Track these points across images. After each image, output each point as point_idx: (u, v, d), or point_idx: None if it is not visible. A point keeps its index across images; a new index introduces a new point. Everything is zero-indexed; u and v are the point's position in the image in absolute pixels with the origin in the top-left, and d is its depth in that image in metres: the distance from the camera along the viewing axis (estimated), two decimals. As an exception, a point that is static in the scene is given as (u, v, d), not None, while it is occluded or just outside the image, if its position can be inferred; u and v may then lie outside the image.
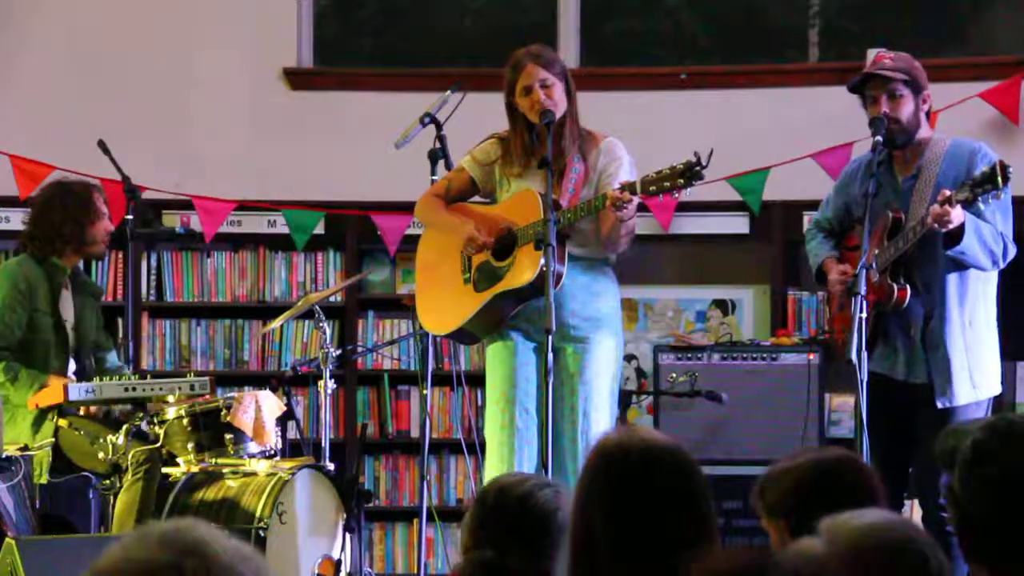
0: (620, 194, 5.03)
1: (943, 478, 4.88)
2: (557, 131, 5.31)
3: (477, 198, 5.63)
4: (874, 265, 5.06)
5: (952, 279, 5.13)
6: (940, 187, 5.06)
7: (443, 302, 5.54)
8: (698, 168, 4.97)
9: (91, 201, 6.07)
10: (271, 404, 6.01)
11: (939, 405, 5.10)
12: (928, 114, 5.28)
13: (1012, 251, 5.13)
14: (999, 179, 4.75)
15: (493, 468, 5.33)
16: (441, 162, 5.85)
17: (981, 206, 4.88)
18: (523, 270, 5.26)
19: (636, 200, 5.05)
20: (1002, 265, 5.15)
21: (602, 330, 5.33)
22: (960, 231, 4.93)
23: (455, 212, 5.51)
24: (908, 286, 5.13)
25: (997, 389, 5.23)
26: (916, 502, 5.36)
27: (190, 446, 5.92)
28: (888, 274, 5.12)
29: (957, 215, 4.88)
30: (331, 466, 6.11)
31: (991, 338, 5.23)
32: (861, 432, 4.85)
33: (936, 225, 4.89)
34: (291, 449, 6.61)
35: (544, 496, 3.08)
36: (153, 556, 1.78)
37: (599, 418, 5.26)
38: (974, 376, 5.13)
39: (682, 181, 4.99)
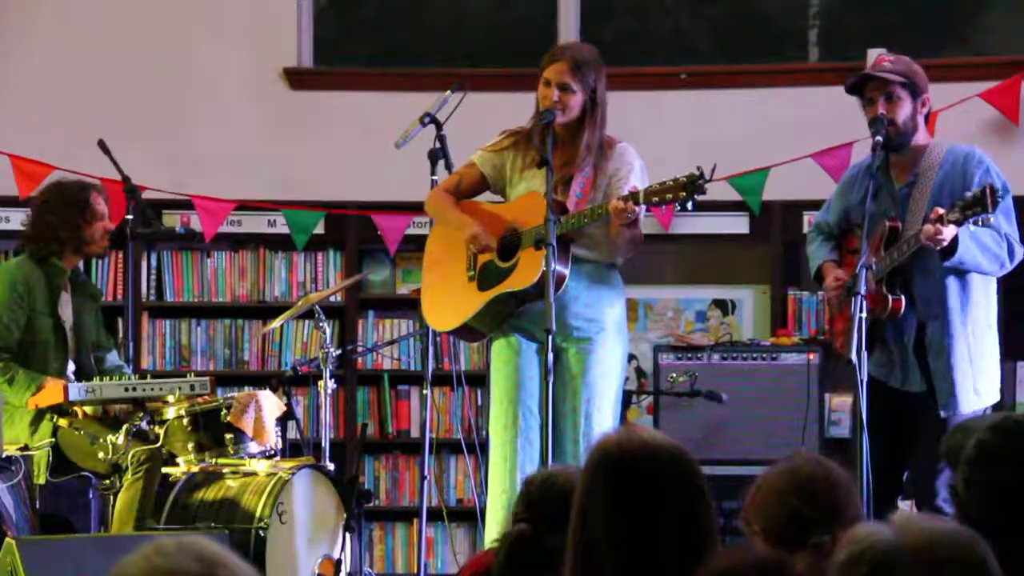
0: (623, 204, 5.03)
1: (942, 477, 4.91)
2: (568, 136, 5.30)
3: (487, 195, 5.63)
4: (873, 266, 5.05)
5: (953, 287, 5.10)
6: (936, 195, 5.05)
7: (447, 299, 5.55)
8: (701, 181, 4.98)
9: (88, 202, 6.06)
10: (271, 404, 6.01)
11: (942, 415, 5.08)
12: (927, 118, 5.26)
13: (1020, 251, 5.10)
14: (988, 203, 4.74)
15: (496, 467, 5.34)
16: (441, 162, 5.86)
17: (971, 227, 4.86)
18: (526, 272, 5.26)
19: (640, 210, 5.06)
20: (1010, 267, 5.12)
21: (606, 332, 5.33)
22: (954, 243, 4.92)
23: (464, 209, 5.52)
24: (903, 297, 5.12)
25: (997, 396, 5.21)
26: (912, 504, 5.36)
27: (190, 446, 5.92)
28: (884, 284, 5.12)
29: (950, 232, 4.87)
30: (331, 466, 6.11)
31: (992, 343, 5.20)
32: (860, 432, 4.84)
33: (929, 243, 4.89)
34: (291, 449, 6.61)
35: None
36: (181, 566, 1.79)
37: (601, 420, 5.27)
38: (978, 384, 5.11)
39: (684, 194, 4.99)
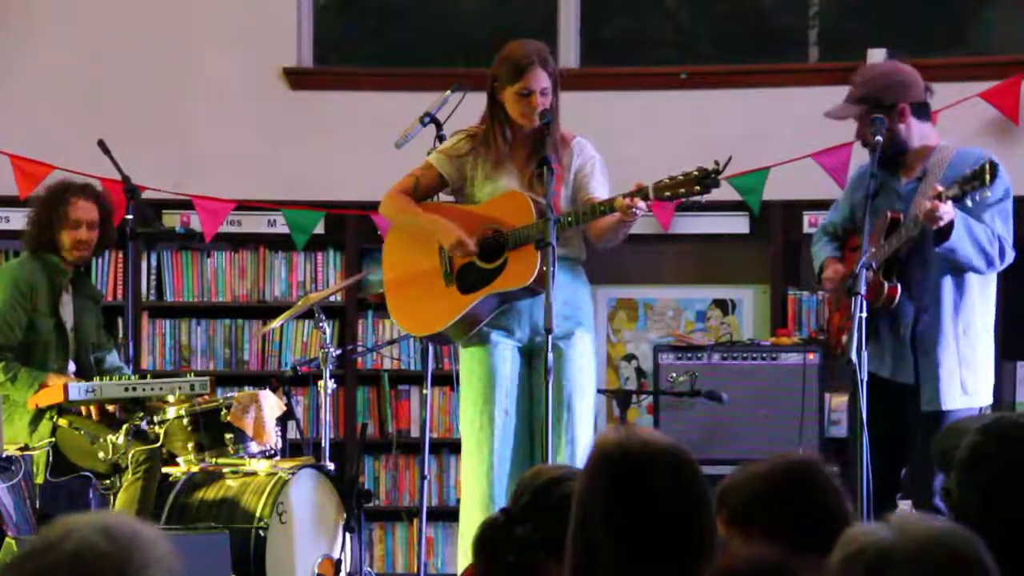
0: (631, 201, 4.99)
1: (938, 479, 4.91)
2: (530, 135, 5.29)
3: (444, 196, 5.58)
4: (873, 264, 5.05)
5: (947, 284, 5.10)
6: None
7: (422, 302, 5.44)
8: (715, 175, 4.93)
9: (63, 206, 6.01)
10: (271, 404, 6.02)
11: (923, 408, 5.09)
12: (928, 116, 5.24)
13: (1010, 255, 5.10)
14: (987, 176, 4.74)
15: (471, 468, 5.27)
16: (441, 162, 5.84)
17: (969, 203, 4.86)
18: (519, 272, 5.22)
19: (644, 206, 5.02)
20: (998, 267, 5.12)
21: (582, 326, 5.33)
22: (949, 228, 4.91)
23: (432, 211, 5.45)
24: (899, 285, 5.12)
25: (989, 400, 5.20)
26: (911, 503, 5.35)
27: (190, 446, 5.92)
28: (881, 272, 5.11)
29: (948, 211, 4.86)
30: (331, 466, 6.12)
31: (987, 346, 5.20)
32: (861, 431, 4.83)
33: (927, 221, 4.88)
34: (291, 449, 6.61)
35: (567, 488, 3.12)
36: (94, 546, 1.79)
37: (583, 409, 5.26)
38: (968, 384, 5.10)
39: (698, 188, 4.95)
